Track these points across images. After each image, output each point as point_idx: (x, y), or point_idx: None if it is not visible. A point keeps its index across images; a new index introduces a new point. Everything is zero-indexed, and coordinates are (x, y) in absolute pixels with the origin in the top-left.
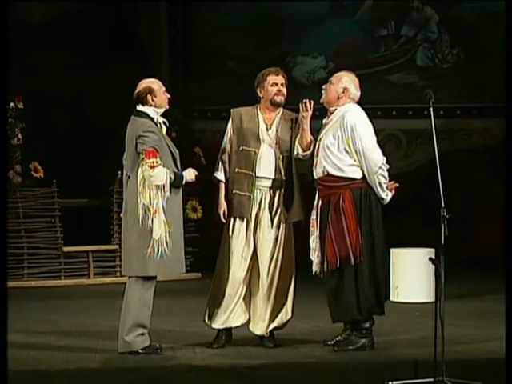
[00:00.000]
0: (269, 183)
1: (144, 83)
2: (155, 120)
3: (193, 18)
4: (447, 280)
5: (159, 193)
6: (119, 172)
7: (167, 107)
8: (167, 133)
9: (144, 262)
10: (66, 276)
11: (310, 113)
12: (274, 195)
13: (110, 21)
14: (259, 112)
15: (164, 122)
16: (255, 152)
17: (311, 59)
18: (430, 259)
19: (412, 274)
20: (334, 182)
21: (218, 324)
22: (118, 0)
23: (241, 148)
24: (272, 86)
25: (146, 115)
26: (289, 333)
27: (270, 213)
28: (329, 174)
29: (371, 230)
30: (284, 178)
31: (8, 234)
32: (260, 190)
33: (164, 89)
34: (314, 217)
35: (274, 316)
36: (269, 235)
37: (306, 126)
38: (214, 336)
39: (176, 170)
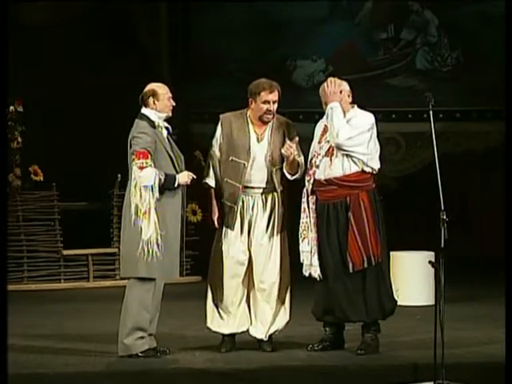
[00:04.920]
0: (260, 191)
1: (150, 86)
2: (156, 123)
3: (192, 21)
4: (447, 283)
5: (148, 194)
6: (119, 175)
7: (170, 115)
8: (169, 138)
9: (135, 264)
10: (66, 279)
11: (293, 147)
12: (266, 202)
13: (110, 24)
14: (249, 120)
15: (167, 128)
16: (244, 165)
17: (311, 62)
18: (430, 262)
19: (412, 277)
20: (355, 183)
21: (223, 329)
22: (118, 3)
23: (230, 158)
24: (263, 103)
25: (147, 118)
26: (288, 336)
27: (263, 219)
28: (352, 173)
29: (382, 230)
30: (277, 189)
31: (8, 237)
32: (252, 196)
33: (170, 95)
34: (305, 220)
35: (273, 319)
36: (262, 241)
37: (291, 158)
38: (218, 341)
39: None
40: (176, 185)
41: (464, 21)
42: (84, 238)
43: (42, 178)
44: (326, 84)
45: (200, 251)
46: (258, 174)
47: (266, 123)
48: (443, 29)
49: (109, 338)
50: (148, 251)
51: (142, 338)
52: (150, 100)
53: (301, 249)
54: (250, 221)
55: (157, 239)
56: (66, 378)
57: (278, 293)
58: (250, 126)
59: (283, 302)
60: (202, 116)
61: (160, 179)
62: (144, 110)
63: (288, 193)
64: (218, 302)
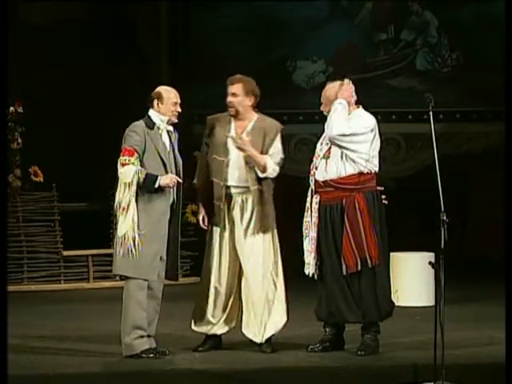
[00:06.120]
0: (238, 191)
1: (159, 88)
2: (157, 125)
3: (193, 22)
4: (447, 284)
5: (126, 191)
6: None
7: (174, 120)
8: (172, 142)
9: (115, 260)
10: (66, 280)
11: (244, 141)
12: (247, 201)
13: (110, 26)
14: (232, 119)
15: (170, 131)
16: (224, 162)
17: (311, 63)
18: (430, 263)
19: (412, 278)
20: (351, 185)
21: (203, 329)
22: (118, 5)
23: (213, 157)
24: (227, 96)
25: (149, 119)
26: (288, 337)
27: (243, 219)
28: (347, 176)
29: (382, 233)
30: (254, 187)
31: (8, 238)
32: (232, 196)
33: (176, 101)
34: (308, 219)
35: (268, 322)
36: (246, 241)
37: (249, 152)
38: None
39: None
40: (156, 186)
41: (464, 21)
42: (84, 239)
43: (41, 179)
44: (343, 83)
45: (199, 252)
46: (236, 172)
47: (247, 121)
48: (443, 29)
49: (109, 339)
50: (122, 248)
51: (142, 337)
52: (155, 102)
53: (304, 247)
54: (232, 220)
55: (133, 237)
56: (66, 378)
57: (271, 293)
58: (233, 124)
59: (278, 303)
60: (203, 117)
61: (139, 178)
62: (150, 111)
63: (282, 192)
64: (203, 302)
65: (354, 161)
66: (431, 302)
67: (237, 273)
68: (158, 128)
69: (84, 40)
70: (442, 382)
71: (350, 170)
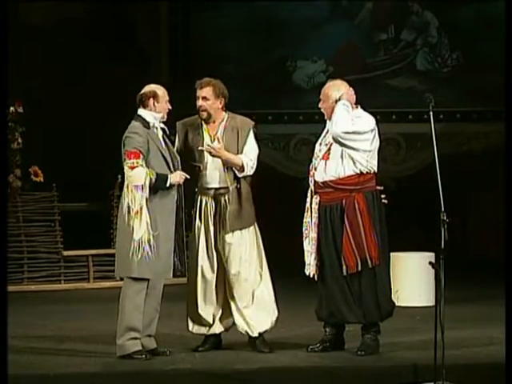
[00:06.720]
0: (220, 192)
1: (150, 87)
2: (151, 124)
3: (193, 22)
4: (447, 284)
5: (138, 193)
6: (119, 176)
7: (165, 118)
8: (165, 139)
9: (127, 263)
10: (66, 280)
11: (216, 148)
12: (229, 201)
13: (110, 26)
14: (203, 122)
15: (163, 129)
16: (200, 167)
17: (311, 63)
18: (430, 263)
19: (412, 278)
20: (350, 186)
21: (202, 330)
22: (118, 5)
23: (189, 162)
24: (197, 99)
25: (142, 119)
26: (288, 337)
27: (226, 218)
28: (346, 176)
29: (382, 233)
30: (232, 186)
31: (8, 238)
32: (213, 197)
33: (167, 99)
34: (308, 219)
35: (258, 316)
36: (228, 240)
37: (225, 157)
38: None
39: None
40: (168, 184)
41: (464, 21)
42: (84, 239)
43: (42, 179)
44: (348, 87)
45: None
46: (214, 174)
47: (217, 123)
48: (443, 29)
49: (109, 339)
50: (139, 251)
51: (135, 338)
52: (150, 101)
53: (304, 247)
54: (215, 220)
55: (149, 239)
56: (66, 378)
57: (251, 288)
58: (204, 127)
59: (258, 297)
60: None
61: (151, 179)
62: (140, 111)
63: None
64: (195, 304)
65: (354, 160)
66: (431, 302)
67: (223, 270)
68: (154, 127)
69: (84, 40)
70: (442, 382)
71: (349, 170)
